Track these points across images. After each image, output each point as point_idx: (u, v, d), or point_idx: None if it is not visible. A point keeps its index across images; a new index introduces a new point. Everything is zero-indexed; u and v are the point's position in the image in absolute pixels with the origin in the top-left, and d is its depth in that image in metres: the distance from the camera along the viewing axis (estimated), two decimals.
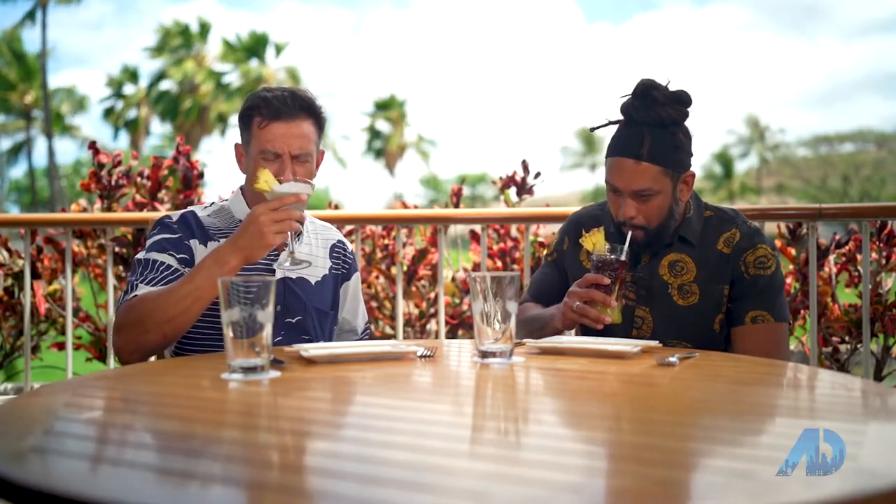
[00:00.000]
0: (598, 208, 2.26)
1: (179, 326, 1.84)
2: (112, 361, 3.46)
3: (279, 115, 1.97)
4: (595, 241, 1.96)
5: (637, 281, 2.09)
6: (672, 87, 2.00)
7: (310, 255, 2.12)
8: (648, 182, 1.97)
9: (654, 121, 1.96)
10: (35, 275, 3.71)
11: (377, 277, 3.84)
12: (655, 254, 2.08)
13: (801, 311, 3.41)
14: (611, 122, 2.05)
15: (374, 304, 3.83)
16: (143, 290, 1.90)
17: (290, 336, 2.03)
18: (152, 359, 2.02)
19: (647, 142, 1.96)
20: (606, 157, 2.04)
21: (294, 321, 2.04)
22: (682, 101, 1.99)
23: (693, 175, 2.06)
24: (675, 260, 2.07)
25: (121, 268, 3.66)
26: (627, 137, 1.98)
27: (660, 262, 2.08)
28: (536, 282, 2.32)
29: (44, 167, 42.78)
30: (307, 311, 2.06)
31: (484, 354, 1.63)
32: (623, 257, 1.93)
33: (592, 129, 2.13)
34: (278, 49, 41.33)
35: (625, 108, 2.01)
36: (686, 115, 2.01)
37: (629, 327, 2.09)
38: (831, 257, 3.51)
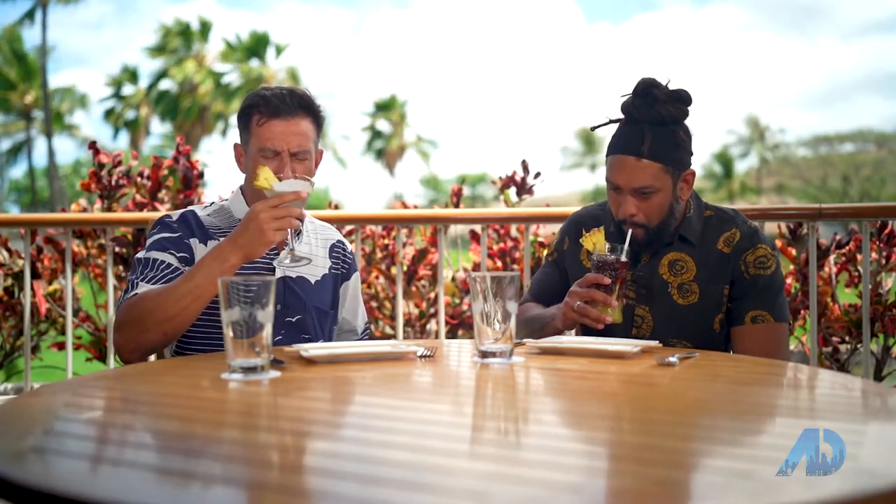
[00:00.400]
0: (598, 208, 2.27)
1: (180, 324, 1.85)
2: (112, 361, 3.46)
3: (278, 112, 1.98)
4: (595, 241, 1.97)
5: (637, 280, 2.09)
6: (672, 87, 2.00)
7: (309, 254, 2.12)
8: (649, 179, 1.97)
9: (654, 119, 1.97)
10: (35, 275, 3.71)
11: (377, 277, 3.84)
12: (655, 253, 2.08)
13: (801, 311, 3.41)
14: (612, 121, 2.05)
15: (374, 304, 3.83)
16: (143, 288, 1.90)
17: (289, 335, 2.03)
18: (152, 358, 2.02)
19: (647, 139, 1.96)
20: (607, 156, 2.04)
21: (294, 320, 2.05)
22: (682, 99, 2.00)
23: (693, 173, 2.06)
24: (675, 259, 2.07)
25: (121, 268, 3.66)
26: (628, 135, 1.99)
27: (660, 261, 2.08)
28: (537, 282, 2.32)
29: (44, 167, 42.81)
30: (307, 311, 2.06)
31: (484, 354, 1.63)
32: (623, 257, 1.94)
33: (593, 128, 2.14)
34: (279, 50, 41.33)
35: (625, 107, 2.02)
36: (686, 114, 2.01)
37: (629, 326, 2.09)
38: (831, 257, 3.51)
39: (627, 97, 2.03)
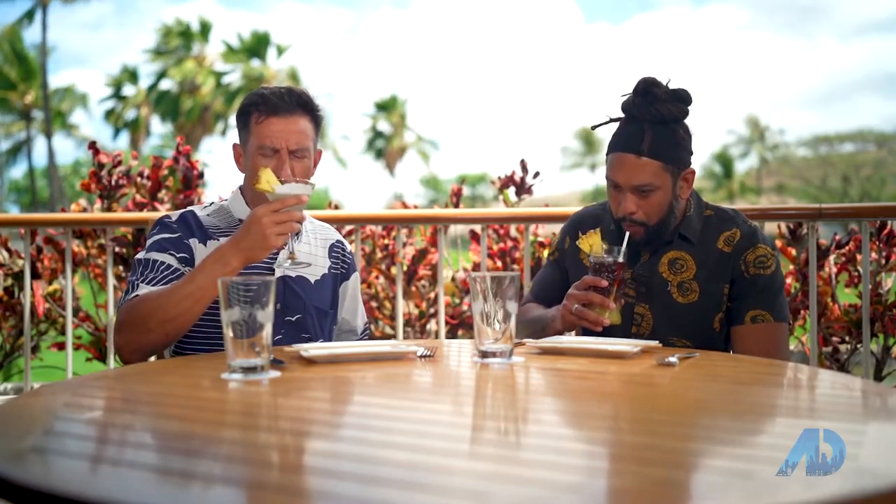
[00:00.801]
0: (599, 208, 2.27)
1: (181, 326, 1.85)
2: (112, 361, 3.46)
3: (277, 110, 1.99)
4: (592, 243, 1.97)
5: (637, 278, 2.09)
6: (672, 86, 2.01)
7: (309, 254, 2.12)
8: (649, 177, 1.98)
9: (654, 117, 1.98)
10: (35, 275, 3.71)
11: (377, 277, 3.84)
12: (655, 251, 2.09)
13: (801, 311, 3.41)
14: (612, 120, 2.06)
15: (374, 304, 3.83)
16: (144, 289, 1.90)
17: (289, 334, 2.03)
18: (152, 359, 2.02)
19: (647, 137, 1.97)
20: (607, 154, 2.05)
21: (294, 319, 2.05)
22: (682, 98, 2.01)
23: (693, 172, 2.07)
24: (674, 258, 2.08)
25: (121, 268, 3.66)
26: (629, 133, 2.00)
27: (660, 259, 2.08)
28: (539, 281, 2.33)
29: (44, 167, 42.81)
30: (307, 310, 2.07)
31: (484, 354, 1.63)
32: (620, 258, 1.94)
33: (594, 127, 2.14)
34: (280, 50, 41.30)
35: (626, 106, 2.03)
36: (686, 113, 2.02)
37: (629, 324, 2.09)
38: (831, 257, 3.51)
39: (628, 96, 2.03)
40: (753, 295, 2.03)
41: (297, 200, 1.84)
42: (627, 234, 2.00)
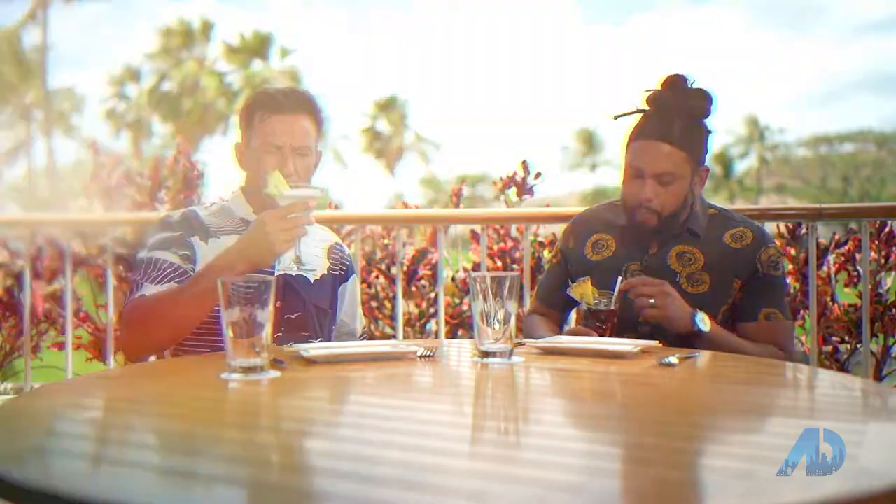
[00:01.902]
0: (603, 208, 2.29)
1: (184, 328, 1.86)
2: (112, 361, 3.46)
3: (281, 108, 2.00)
4: (583, 292, 1.97)
5: (646, 269, 2.11)
6: (696, 86, 2.08)
7: (307, 254, 2.12)
8: (673, 166, 2.01)
9: (684, 110, 2.03)
10: (35, 275, 3.71)
11: (377, 277, 3.84)
12: (663, 244, 2.11)
13: (801, 311, 3.41)
14: (638, 110, 2.09)
15: (374, 304, 3.83)
16: (148, 289, 1.90)
17: (289, 333, 2.03)
18: (152, 358, 2.02)
19: (677, 127, 2.02)
20: (630, 143, 2.07)
21: (294, 317, 2.05)
22: (708, 98, 2.07)
23: (707, 170, 2.13)
24: (683, 251, 2.10)
25: (121, 268, 3.66)
26: (658, 122, 2.04)
27: (668, 252, 2.11)
28: (543, 285, 2.36)
29: (44, 167, 42.80)
30: (306, 309, 2.07)
31: (484, 354, 1.63)
32: (612, 306, 1.95)
33: (616, 117, 2.15)
34: (284, 53, 41.30)
35: (654, 98, 2.07)
36: (709, 113, 2.08)
37: (636, 315, 2.10)
38: (830, 257, 3.51)
39: (654, 90, 2.08)
40: (767, 293, 2.07)
41: (305, 206, 1.83)
42: (620, 278, 2.01)
